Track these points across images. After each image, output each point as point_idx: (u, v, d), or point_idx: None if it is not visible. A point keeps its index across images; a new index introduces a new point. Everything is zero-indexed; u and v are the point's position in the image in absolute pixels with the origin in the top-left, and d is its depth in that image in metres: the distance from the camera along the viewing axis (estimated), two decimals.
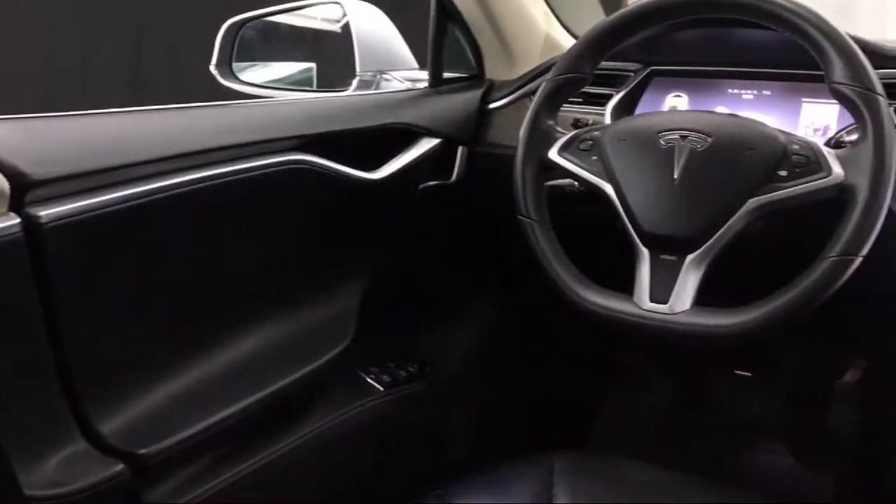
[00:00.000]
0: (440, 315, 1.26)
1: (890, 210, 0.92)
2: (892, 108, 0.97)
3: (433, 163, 1.18)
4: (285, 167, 0.98)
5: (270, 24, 1.48)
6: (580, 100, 1.18)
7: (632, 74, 1.17)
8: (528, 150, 1.00)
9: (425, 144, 1.16)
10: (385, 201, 1.12)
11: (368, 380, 1.14)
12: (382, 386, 1.15)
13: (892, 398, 0.92)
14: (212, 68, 1.39)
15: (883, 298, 1.03)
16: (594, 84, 1.17)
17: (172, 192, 0.85)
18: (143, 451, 0.85)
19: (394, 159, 1.12)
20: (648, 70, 1.17)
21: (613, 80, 1.18)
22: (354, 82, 1.28)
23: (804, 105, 1.08)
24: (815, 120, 1.07)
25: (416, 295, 1.22)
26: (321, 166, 1.02)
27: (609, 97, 1.17)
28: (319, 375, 1.04)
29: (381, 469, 1.16)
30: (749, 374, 1.40)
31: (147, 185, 0.84)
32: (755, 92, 1.11)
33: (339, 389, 1.10)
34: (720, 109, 1.13)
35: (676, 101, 1.16)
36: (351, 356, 1.08)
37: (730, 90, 1.13)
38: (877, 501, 1.09)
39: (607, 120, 1.13)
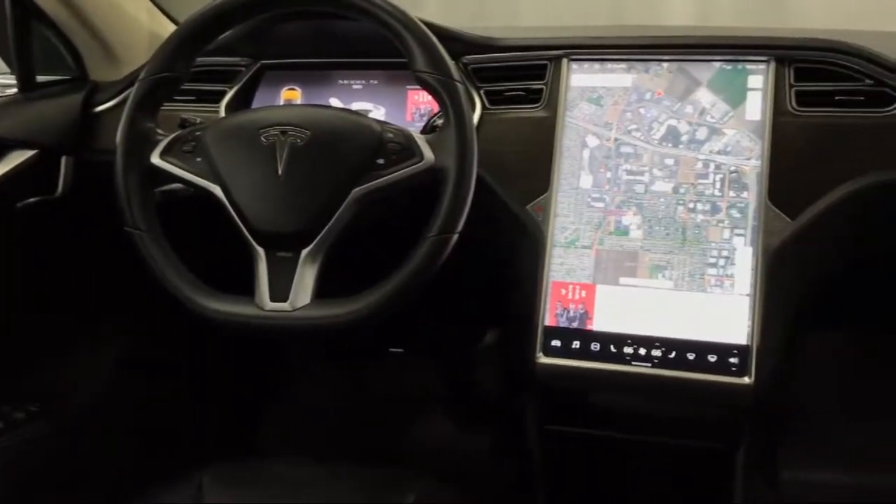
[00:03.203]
0: (63, 344, 1.14)
1: (486, 184, 1.01)
2: (482, 91, 1.08)
3: (31, 177, 1.06)
4: None
5: None
6: (193, 98, 1.14)
7: (243, 69, 1.16)
8: (128, 156, 0.93)
9: (17, 157, 1.04)
10: None
11: None
12: None
13: (522, 355, 1.00)
14: None
15: (499, 269, 1.11)
16: (206, 80, 1.16)
17: None
18: None
19: None
20: (259, 65, 1.16)
21: (225, 76, 1.16)
22: None
23: (409, 92, 1.14)
24: (420, 106, 1.13)
25: (28, 325, 1.10)
26: None
27: (223, 94, 1.14)
28: None
29: None
30: (402, 351, 1.46)
31: None
32: (363, 82, 1.15)
33: None
34: (334, 101, 1.15)
35: (291, 95, 1.17)
36: None
37: (340, 81, 1.15)
38: (523, 452, 1.19)
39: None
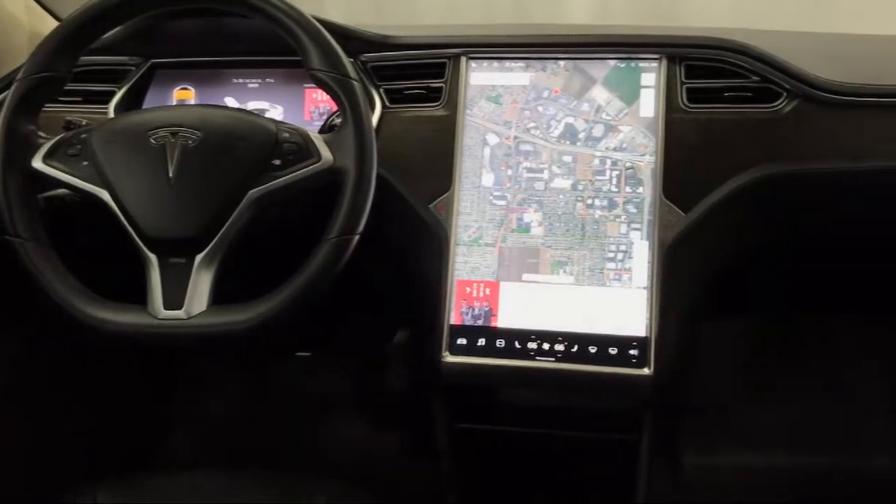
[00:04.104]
0: None
1: (388, 183, 1.00)
2: (382, 90, 1.07)
3: None
4: None
5: None
6: (80, 98, 1.10)
7: (133, 69, 1.12)
8: (6, 160, 0.88)
9: None
10: None
11: None
12: None
13: (429, 355, 0.99)
14: None
15: (404, 268, 1.11)
16: (93, 80, 1.12)
17: None
18: None
19: None
20: (149, 64, 1.12)
21: (114, 76, 1.12)
22: None
23: (306, 91, 1.12)
24: (319, 105, 1.11)
25: None
26: None
27: (112, 94, 1.10)
28: None
29: None
30: (309, 354, 1.44)
31: None
32: (259, 81, 1.12)
33: None
34: (229, 101, 1.12)
35: (184, 95, 1.13)
36: None
37: (235, 80, 1.12)
38: (434, 451, 1.19)
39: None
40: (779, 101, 1.00)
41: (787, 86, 1.00)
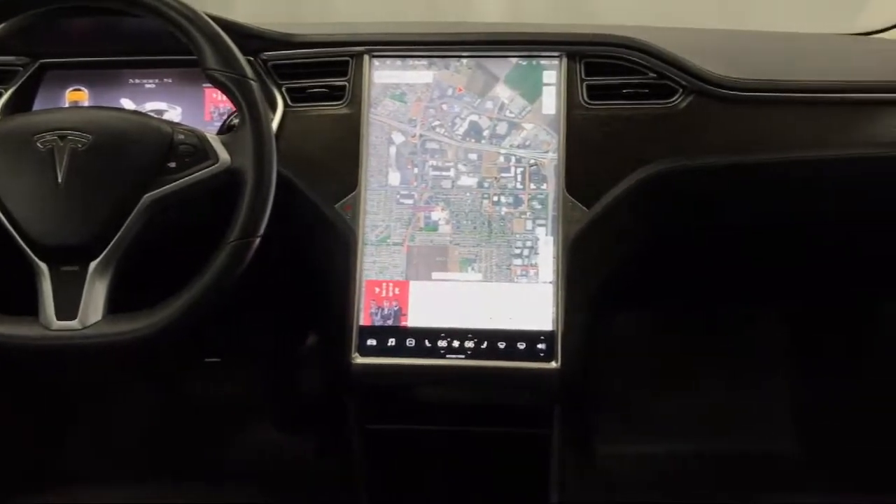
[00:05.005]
0: None
1: (292, 184, 0.99)
2: (284, 88, 1.05)
3: None
4: None
5: None
6: None
7: (20, 69, 1.07)
8: None
9: None
10: None
11: None
12: None
13: (339, 356, 0.98)
14: None
15: (312, 270, 1.09)
16: None
17: None
18: None
19: None
20: (38, 64, 1.07)
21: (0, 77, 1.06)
22: None
23: (206, 91, 1.09)
24: (220, 105, 1.09)
25: None
26: None
27: None
28: None
29: None
30: (219, 360, 1.41)
31: None
32: (157, 81, 1.09)
33: None
34: (125, 102, 1.09)
35: (77, 96, 1.09)
36: None
37: (131, 80, 1.09)
38: (347, 453, 1.18)
39: None
40: (675, 97, 1.03)
41: (682, 82, 1.02)
